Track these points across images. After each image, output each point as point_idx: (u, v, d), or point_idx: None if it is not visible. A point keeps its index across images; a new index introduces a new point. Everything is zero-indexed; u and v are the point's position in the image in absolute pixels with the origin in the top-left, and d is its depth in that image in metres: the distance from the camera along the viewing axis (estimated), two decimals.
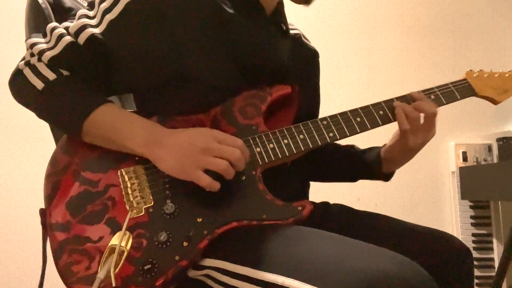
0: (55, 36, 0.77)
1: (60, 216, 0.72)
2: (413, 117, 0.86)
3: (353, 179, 1.04)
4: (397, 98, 0.89)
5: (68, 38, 0.77)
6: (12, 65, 0.81)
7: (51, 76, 0.77)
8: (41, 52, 0.77)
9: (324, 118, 0.83)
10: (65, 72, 0.78)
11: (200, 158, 0.70)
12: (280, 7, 0.92)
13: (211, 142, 0.71)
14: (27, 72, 0.78)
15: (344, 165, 1.03)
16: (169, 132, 0.74)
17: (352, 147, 1.03)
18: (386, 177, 0.98)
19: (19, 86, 0.80)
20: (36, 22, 0.94)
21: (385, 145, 0.96)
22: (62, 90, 0.77)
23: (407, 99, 0.89)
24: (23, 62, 0.79)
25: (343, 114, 0.84)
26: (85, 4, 1.02)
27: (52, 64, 0.77)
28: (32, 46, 0.78)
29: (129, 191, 0.73)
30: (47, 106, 0.78)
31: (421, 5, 2.33)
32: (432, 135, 0.89)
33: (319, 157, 1.01)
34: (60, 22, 0.81)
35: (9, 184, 1.92)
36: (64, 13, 0.96)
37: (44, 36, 0.80)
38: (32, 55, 0.79)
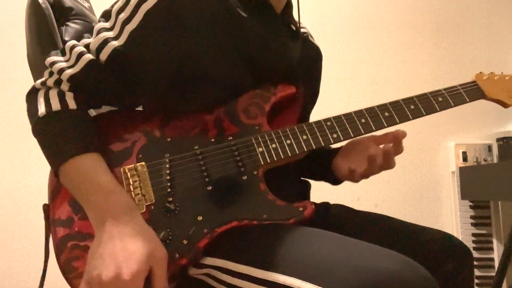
0: (75, 55, 0.77)
1: (62, 212, 0.73)
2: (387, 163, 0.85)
3: (312, 178, 1.02)
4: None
5: (88, 56, 0.76)
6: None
7: (55, 106, 0.75)
8: (61, 71, 0.76)
9: (328, 119, 0.82)
10: (71, 104, 0.76)
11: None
12: (288, 9, 0.92)
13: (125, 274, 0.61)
14: (40, 93, 0.78)
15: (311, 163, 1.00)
16: (111, 228, 0.66)
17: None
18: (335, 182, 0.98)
19: (30, 102, 0.79)
20: (37, 22, 0.93)
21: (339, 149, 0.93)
22: (54, 126, 0.75)
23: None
24: (40, 81, 0.79)
25: (347, 115, 0.83)
26: (86, 4, 1.02)
27: (72, 82, 0.77)
28: (51, 64, 0.78)
29: (131, 188, 0.74)
30: (39, 134, 0.76)
31: (423, 2, 2.33)
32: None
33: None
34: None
35: (13, 180, 1.93)
36: (64, 13, 0.95)
37: (63, 54, 0.79)
38: (51, 74, 0.78)
